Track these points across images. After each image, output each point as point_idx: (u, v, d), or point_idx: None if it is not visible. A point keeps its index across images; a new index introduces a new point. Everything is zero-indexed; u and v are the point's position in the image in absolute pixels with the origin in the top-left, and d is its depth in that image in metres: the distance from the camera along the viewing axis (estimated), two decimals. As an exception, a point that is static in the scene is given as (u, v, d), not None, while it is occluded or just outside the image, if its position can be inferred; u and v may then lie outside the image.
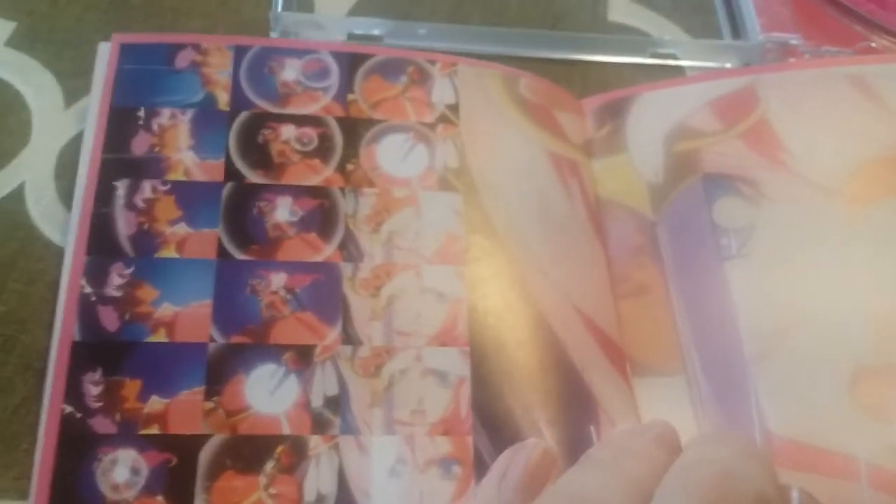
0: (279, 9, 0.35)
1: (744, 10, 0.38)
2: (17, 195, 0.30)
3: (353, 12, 0.37)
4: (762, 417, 0.27)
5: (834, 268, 0.29)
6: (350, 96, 0.31)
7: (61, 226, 0.30)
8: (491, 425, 0.27)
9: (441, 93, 0.31)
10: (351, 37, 0.35)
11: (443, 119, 0.31)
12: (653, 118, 0.33)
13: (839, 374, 0.28)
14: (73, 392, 0.25)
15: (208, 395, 0.26)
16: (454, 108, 0.31)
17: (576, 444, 0.27)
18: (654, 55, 0.37)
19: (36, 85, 0.33)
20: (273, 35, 0.34)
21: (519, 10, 0.38)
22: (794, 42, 0.36)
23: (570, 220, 0.31)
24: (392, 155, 0.30)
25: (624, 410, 0.28)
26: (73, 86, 0.32)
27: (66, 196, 0.30)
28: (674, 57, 0.37)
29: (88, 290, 0.26)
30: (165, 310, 0.26)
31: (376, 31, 0.35)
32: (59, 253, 0.28)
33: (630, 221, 0.31)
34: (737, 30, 0.38)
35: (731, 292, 0.29)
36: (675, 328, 0.29)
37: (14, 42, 0.34)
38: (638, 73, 0.36)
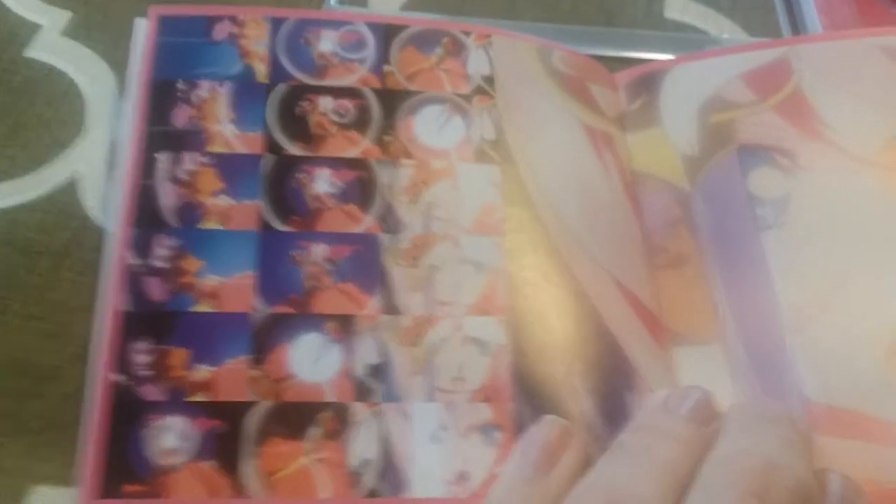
0: (332, 1, 0.35)
1: (804, 9, 0.37)
2: (71, 185, 0.30)
3: (406, 7, 0.36)
4: (799, 385, 0.27)
5: (871, 237, 0.29)
6: (386, 68, 0.31)
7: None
8: (531, 392, 0.27)
9: (476, 64, 0.32)
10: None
11: (479, 91, 0.31)
12: (686, 90, 0.33)
13: (878, 343, 0.28)
14: (122, 361, 0.25)
15: (253, 363, 0.26)
16: (489, 79, 0.31)
17: (614, 411, 0.27)
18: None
19: (91, 75, 0.33)
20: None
21: (573, 6, 0.37)
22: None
23: (605, 191, 0.31)
24: (429, 126, 0.30)
25: (661, 379, 0.28)
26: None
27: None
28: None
29: (134, 261, 0.27)
30: (210, 280, 0.27)
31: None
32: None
33: (665, 193, 0.31)
34: (797, 29, 0.37)
35: (768, 262, 0.29)
36: (711, 298, 0.30)
37: (70, 31, 0.34)
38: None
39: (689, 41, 0.36)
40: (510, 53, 0.32)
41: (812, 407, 0.27)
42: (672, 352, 0.29)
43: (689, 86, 0.33)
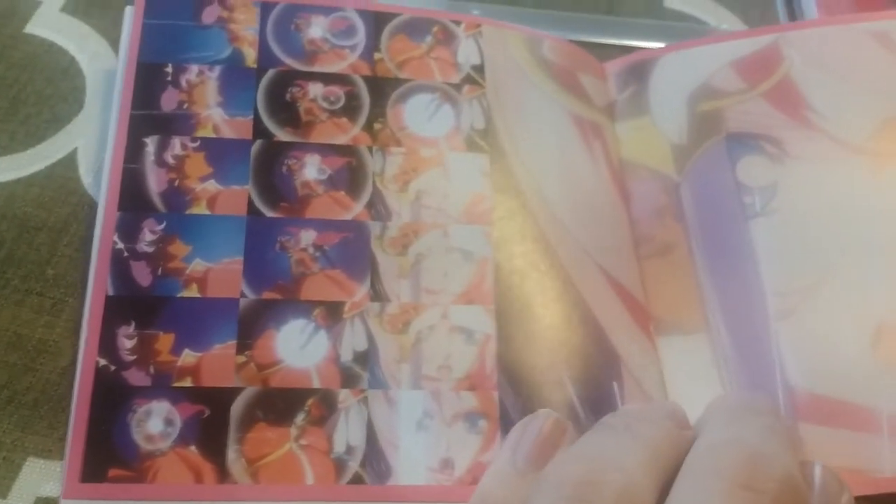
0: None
1: (803, 0, 0.37)
2: (71, 161, 0.30)
3: None
4: (784, 373, 0.28)
5: (858, 225, 0.29)
6: (377, 55, 0.31)
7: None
8: (516, 381, 0.27)
9: (466, 53, 0.31)
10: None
11: (468, 80, 0.31)
12: (675, 79, 0.33)
13: (863, 330, 0.28)
14: (108, 345, 0.25)
15: (240, 349, 0.26)
16: (479, 69, 0.31)
17: (599, 400, 0.27)
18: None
19: (91, 52, 0.33)
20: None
21: None
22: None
23: (593, 181, 0.31)
24: (419, 115, 0.30)
25: (648, 368, 0.28)
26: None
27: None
28: None
29: (121, 245, 0.27)
30: (197, 265, 0.27)
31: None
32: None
33: (654, 182, 0.31)
34: (795, 20, 0.37)
35: (755, 250, 0.29)
36: (698, 287, 0.30)
37: (69, 8, 0.33)
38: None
39: (690, 31, 0.36)
40: (500, 43, 0.32)
41: (796, 395, 0.27)
42: (658, 342, 0.29)
43: (678, 74, 0.33)
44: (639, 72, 0.33)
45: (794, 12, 0.37)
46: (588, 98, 0.32)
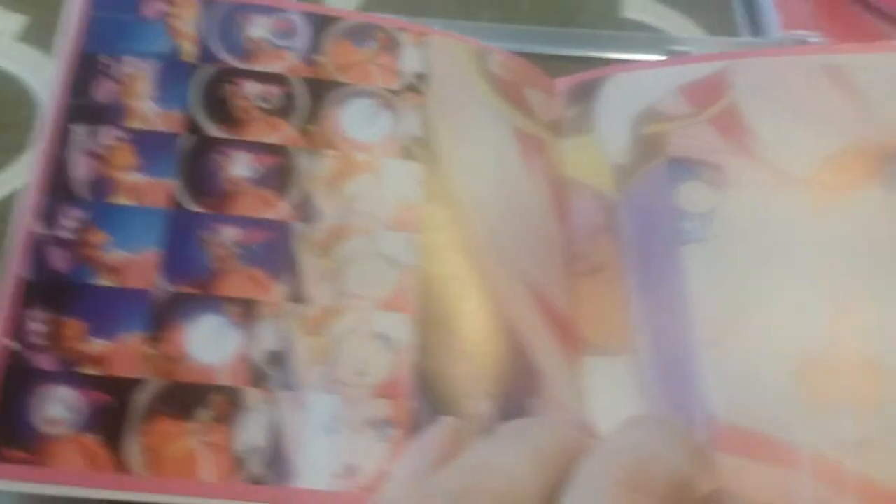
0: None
1: (763, 7, 0.37)
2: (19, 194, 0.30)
3: (364, 8, 0.36)
4: (706, 402, 0.27)
5: (793, 258, 0.29)
6: (317, 57, 0.31)
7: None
8: (431, 392, 0.27)
9: (410, 61, 0.31)
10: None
11: (410, 88, 0.31)
12: (623, 100, 0.33)
13: (789, 364, 0.27)
14: (19, 328, 0.25)
15: (149, 340, 0.26)
16: (422, 77, 0.31)
17: (515, 416, 0.26)
18: (669, 53, 0.36)
19: (46, 80, 0.32)
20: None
21: (532, 6, 0.37)
22: (813, 40, 0.35)
23: (530, 196, 0.31)
24: (356, 119, 0.30)
25: (569, 387, 0.28)
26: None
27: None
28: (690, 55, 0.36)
29: (40, 230, 0.27)
30: (114, 255, 0.27)
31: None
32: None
33: (592, 201, 0.31)
34: (756, 27, 0.37)
35: (687, 276, 0.29)
36: (627, 308, 0.29)
37: (26, 36, 0.33)
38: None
39: (649, 40, 0.36)
40: (446, 53, 0.32)
41: (717, 424, 0.27)
42: (583, 361, 0.29)
43: (625, 95, 0.33)
44: (587, 90, 0.33)
45: (754, 19, 0.37)
46: (533, 113, 0.32)
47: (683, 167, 0.31)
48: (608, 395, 0.28)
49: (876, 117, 0.31)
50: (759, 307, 0.28)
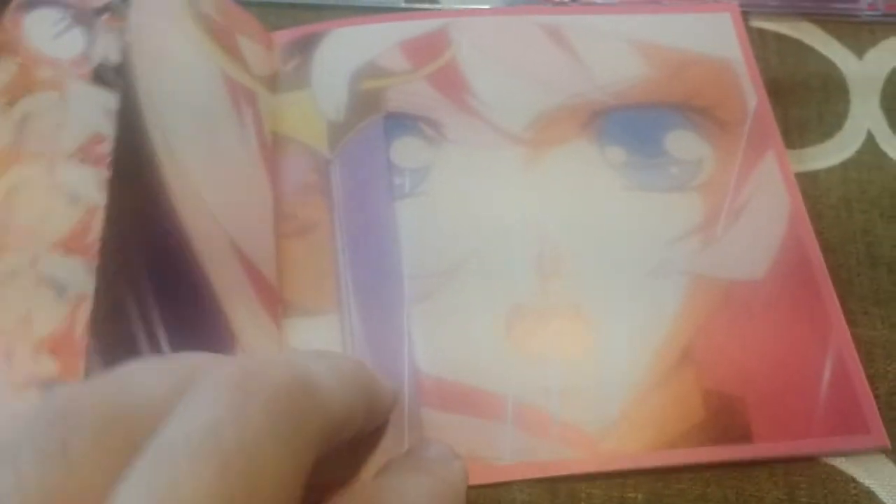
0: None
1: None
2: None
3: None
4: (413, 356, 0.26)
5: (505, 212, 0.28)
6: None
7: None
8: (108, 350, 0.24)
9: (110, -13, 0.29)
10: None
11: (111, 9, 0.28)
12: (341, 55, 0.31)
13: (498, 315, 0.27)
14: None
15: None
16: (127, 1, 0.28)
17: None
18: (409, 1, 0.34)
19: None
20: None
21: None
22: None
23: (238, 149, 0.29)
24: (43, 29, 0.27)
25: (266, 350, 0.26)
26: None
27: None
28: (431, 1, 0.34)
29: None
30: None
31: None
32: None
33: (305, 159, 0.29)
34: None
35: (398, 232, 0.28)
36: (335, 268, 0.28)
37: None
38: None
39: None
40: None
41: (422, 379, 0.26)
42: (287, 323, 0.27)
43: (344, 50, 0.31)
44: (306, 44, 0.32)
45: None
46: (245, 63, 0.30)
47: (399, 123, 0.30)
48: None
49: (589, 75, 0.31)
50: (469, 261, 0.28)
